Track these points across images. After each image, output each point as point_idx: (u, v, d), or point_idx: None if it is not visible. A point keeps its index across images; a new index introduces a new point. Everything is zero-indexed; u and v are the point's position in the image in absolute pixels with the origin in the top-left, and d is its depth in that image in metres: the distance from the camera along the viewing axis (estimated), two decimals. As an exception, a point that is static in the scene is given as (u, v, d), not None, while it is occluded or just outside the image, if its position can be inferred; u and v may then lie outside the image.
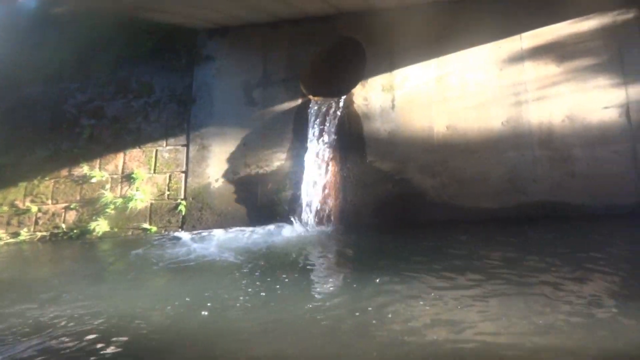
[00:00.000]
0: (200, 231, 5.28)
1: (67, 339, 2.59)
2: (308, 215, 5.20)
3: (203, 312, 2.89)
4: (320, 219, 5.20)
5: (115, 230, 5.44)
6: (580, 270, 3.22)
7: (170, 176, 5.55)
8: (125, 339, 2.60)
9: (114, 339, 2.57)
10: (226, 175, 5.47)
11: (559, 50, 5.06)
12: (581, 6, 5.07)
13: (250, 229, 5.17)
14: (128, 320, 2.84)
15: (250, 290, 3.32)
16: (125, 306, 3.12)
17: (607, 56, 4.98)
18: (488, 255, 3.82)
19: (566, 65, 5.04)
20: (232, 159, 5.48)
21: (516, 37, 5.15)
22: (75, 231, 5.44)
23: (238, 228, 5.24)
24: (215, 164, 5.50)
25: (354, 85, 5.40)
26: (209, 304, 3.03)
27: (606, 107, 4.94)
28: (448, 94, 5.21)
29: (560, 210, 4.90)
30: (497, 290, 2.95)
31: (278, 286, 3.34)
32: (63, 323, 2.84)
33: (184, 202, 5.45)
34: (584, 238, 4.24)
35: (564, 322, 2.40)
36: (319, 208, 5.21)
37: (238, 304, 3.05)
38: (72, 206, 5.56)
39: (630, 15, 5.01)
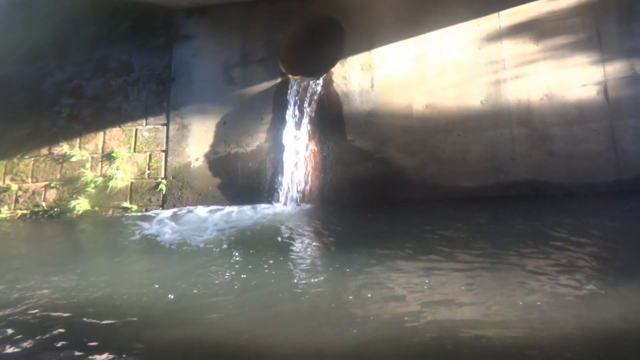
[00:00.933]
0: (181, 209, 5.32)
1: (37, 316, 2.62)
2: (288, 194, 5.27)
3: (180, 291, 2.91)
4: (300, 197, 5.27)
5: (96, 209, 5.49)
6: (557, 248, 3.28)
7: (150, 155, 5.61)
8: (90, 320, 2.60)
9: (76, 318, 2.58)
10: (206, 154, 5.52)
11: (536, 28, 5.09)
12: (559, -17, 5.09)
13: (231, 207, 5.24)
14: (95, 301, 2.86)
15: (228, 268, 3.39)
16: (90, 288, 3.13)
17: (585, 34, 5.01)
18: (466, 234, 3.87)
19: (544, 44, 5.07)
20: (212, 138, 5.53)
21: (494, 15, 5.17)
22: (55, 210, 5.49)
23: (218, 206, 5.28)
24: (195, 143, 5.55)
25: (333, 64, 5.44)
26: (184, 283, 3.08)
27: (584, 85, 4.97)
28: (427, 73, 5.25)
29: (540, 189, 4.96)
30: (478, 267, 3.01)
31: (257, 265, 3.37)
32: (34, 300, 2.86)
33: (164, 181, 5.50)
34: (562, 216, 4.28)
35: (546, 301, 2.44)
36: (298, 187, 5.27)
37: (216, 282, 3.11)
38: (52, 185, 5.62)
39: (608, -8, 5.03)
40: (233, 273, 3.27)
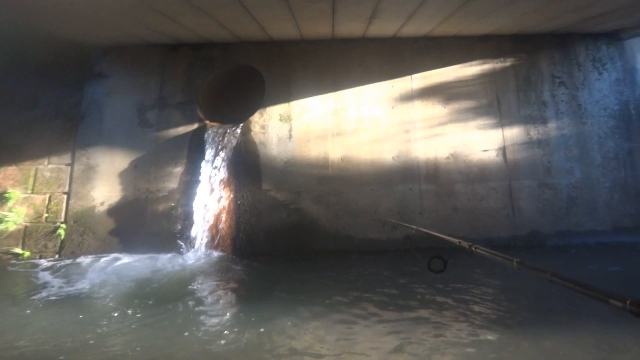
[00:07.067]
0: (80, 257, 5.22)
1: None
2: (198, 243, 5.37)
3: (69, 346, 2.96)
4: (212, 246, 5.40)
5: (-19, 254, 5.23)
6: (453, 300, 3.81)
7: (50, 197, 5.51)
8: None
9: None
10: (113, 198, 5.52)
11: (445, 92, 5.79)
12: (465, 52, 5.90)
13: (137, 255, 5.25)
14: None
15: (125, 322, 3.46)
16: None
17: (486, 100, 5.78)
18: (369, 286, 4.27)
19: (451, 107, 5.75)
20: (120, 182, 5.56)
21: (407, 78, 5.82)
22: None
23: (122, 254, 5.28)
24: (101, 186, 5.53)
25: (252, 113, 5.78)
26: (75, 339, 3.16)
27: (485, 147, 5.67)
28: (343, 128, 5.71)
29: (445, 242, 5.42)
30: (377, 319, 3.46)
31: (157, 318, 3.54)
32: None
33: (63, 226, 5.41)
34: (461, 269, 4.76)
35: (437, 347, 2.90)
36: (210, 236, 5.40)
37: (110, 336, 3.22)
38: None
39: (507, 64, 5.86)
40: (132, 327, 3.34)
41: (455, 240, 1.87)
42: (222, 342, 3.13)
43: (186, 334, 3.26)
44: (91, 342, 3.13)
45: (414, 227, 2.52)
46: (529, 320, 3.42)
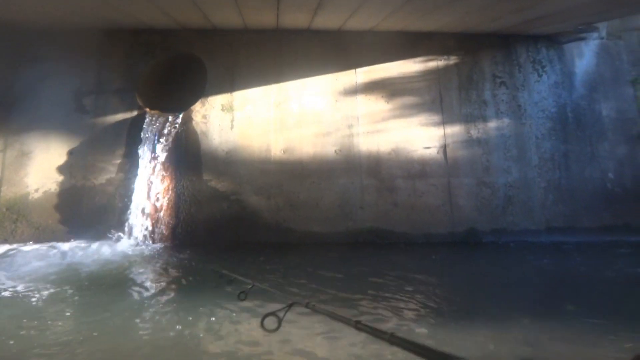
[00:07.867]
0: (12, 245, 5.13)
1: None
2: (138, 232, 5.38)
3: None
4: (151, 236, 5.39)
5: None
6: (388, 295, 3.88)
7: (-20, 183, 5.34)
8: None
9: None
10: (48, 185, 5.44)
11: (388, 87, 5.86)
12: (409, 49, 5.96)
13: (71, 244, 5.19)
14: None
15: (61, 315, 3.43)
16: None
17: (429, 97, 5.87)
18: (309, 280, 4.32)
19: (394, 102, 5.82)
20: (56, 169, 5.47)
21: (352, 72, 5.84)
22: None
23: (56, 243, 5.21)
24: (36, 173, 5.43)
25: (193, 102, 5.73)
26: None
27: (427, 144, 5.79)
28: (286, 119, 5.73)
29: (385, 237, 5.63)
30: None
31: (97, 310, 3.48)
32: None
33: (-6, 213, 5.28)
34: (399, 264, 4.89)
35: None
36: (150, 225, 5.41)
37: (45, 326, 3.18)
38: None
39: (450, 62, 5.95)
40: (65, 317, 3.33)
41: (290, 302, 1.80)
42: (171, 334, 3.11)
43: (137, 320, 3.27)
44: (12, 340, 3.13)
45: (250, 282, 2.30)
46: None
